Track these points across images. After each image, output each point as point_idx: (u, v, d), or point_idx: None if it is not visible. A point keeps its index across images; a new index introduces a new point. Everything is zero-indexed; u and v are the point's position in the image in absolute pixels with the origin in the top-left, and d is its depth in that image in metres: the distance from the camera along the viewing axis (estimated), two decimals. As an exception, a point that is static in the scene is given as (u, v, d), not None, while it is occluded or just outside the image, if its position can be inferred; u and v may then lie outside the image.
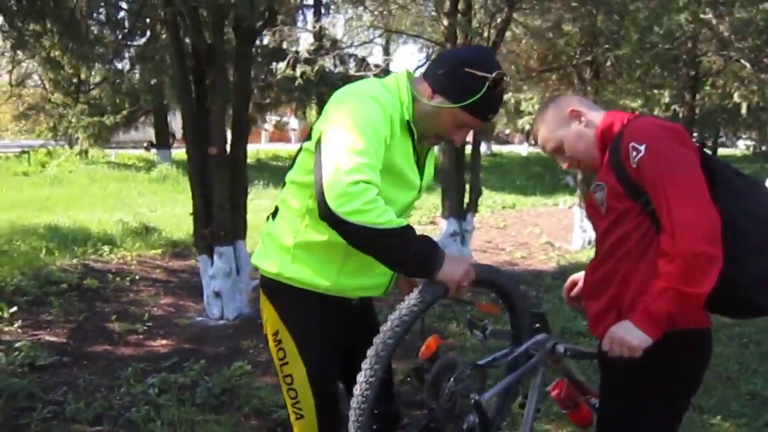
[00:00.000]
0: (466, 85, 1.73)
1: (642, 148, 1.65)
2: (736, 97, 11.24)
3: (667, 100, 11.36)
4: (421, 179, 1.92)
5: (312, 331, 1.90)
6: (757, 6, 8.23)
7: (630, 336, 1.64)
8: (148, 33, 7.74)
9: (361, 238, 1.62)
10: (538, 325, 2.13)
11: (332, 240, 1.77)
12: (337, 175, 1.59)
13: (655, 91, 10.06)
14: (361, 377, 1.70)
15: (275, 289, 1.90)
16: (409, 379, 3.49)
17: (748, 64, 9.06)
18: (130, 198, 11.63)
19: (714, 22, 8.44)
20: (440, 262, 1.68)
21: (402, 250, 1.64)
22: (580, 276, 2.12)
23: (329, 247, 1.82)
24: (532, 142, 20.05)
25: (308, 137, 1.83)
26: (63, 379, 3.79)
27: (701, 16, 8.14)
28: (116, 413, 3.32)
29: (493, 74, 1.72)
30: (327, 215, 1.61)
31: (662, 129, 1.70)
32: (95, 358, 4.21)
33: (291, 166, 1.91)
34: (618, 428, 1.85)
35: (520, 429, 2.11)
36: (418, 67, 11.38)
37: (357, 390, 1.71)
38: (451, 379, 1.81)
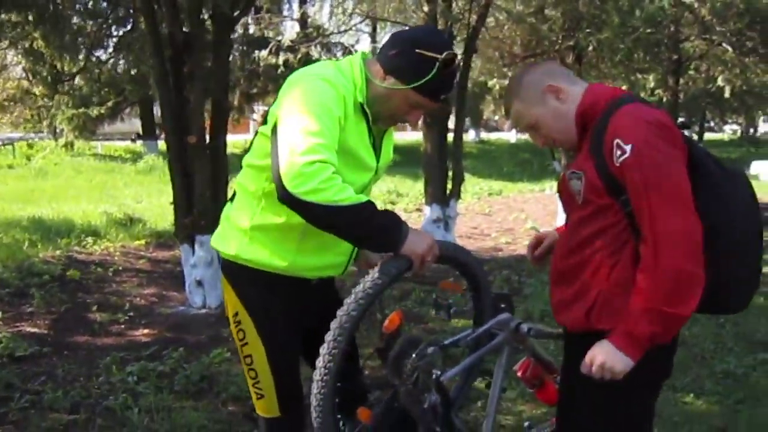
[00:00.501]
0: (417, 66, 1.72)
1: (627, 148, 1.55)
2: (719, 81, 11.32)
3: (652, 84, 11.40)
4: (378, 161, 1.92)
5: (270, 311, 1.91)
6: (738, -11, 8.27)
7: (613, 360, 1.57)
8: (131, 22, 7.70)
9: (320, 217, 1.63)
10: (503, 305, 2.15)
11: (289, 221, 1.80)
12: (293, 156, 1.60)
13: (639, 76, 10.11)
14: (324, 349, 1.71)
15: (234, 270, 1.92)
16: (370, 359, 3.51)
17: (730, 48, 9.12)
18: (115, 189, 11.59)
19: (696, 5, 8.47)
20: (404, 235, 1.68)
21: (363, 226, 1.64)
22: (544, 234, 2.07)
23: (286, 229, 1.83)
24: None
25: (264, 122, 1.85)
26: (42, 369, 3.79)
27: (682, 0, 8.18)
28: (94, 401, 3.33)
29: (443, 55, 1.71)
30: (285, 197, 1.62)
31: (650, 126, 1.57)
32: (75, 348, 4.21)
33: (248, 150, 1.92)
34: (593, 415, 1.76)
35: (487, 407, 2.14)
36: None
37: (319, 362, 1.72)
38: (414, 355, 1.83)
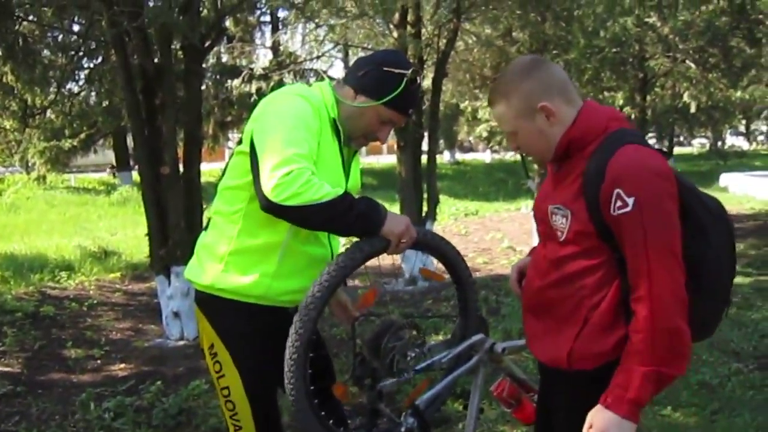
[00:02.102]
0: (386, 83, 1.86)
1: (630, 201, 1.49)
2: (685, 97, 11.58)
3: (620, 102, 11.64)
4: (346, 182, 1.98)
5: (246, 341, 1.91)
6: (698, 9, 8.53)
7: (617, 429, 1.50)
8: (101, 55, 7.69)
9: (305, 218, 1.72)
10: (478, 326, 2.18)
11: (267, 242, 1.85)
12: (273, 169, 1.68)
13: (607, 94, 10.32)
14: (296, 317, 1.76)
15: (208, 302, 1.92)
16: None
17: (693, 65, 9.37)
18: (89, 222, 11.47)
19: (658, 24, 8.71)
20: (383, 217, 1.78)
21: (346, 217, 1.73)
22: (525, 263, 1.95)
23: (265, 250, 1.87)
24: (495, 148, 20.33)
25: (239, 142, 1.90)
26: (16, 408, 3.72)
27: (646, 19, 8.40)
28: (70, 440, 3.28)
29: (410, 71, 1.86)
30: (269, 207, 1.70)
31: (654, 179, 1.51)
32: (50, 386, 4.14)
33: (221, 177, 1.96)
34: None
35: (466, 428, 2.15)
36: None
37: (292, 329, 1.76)
38: (389, 339, 1.90)
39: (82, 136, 14.76)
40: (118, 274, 7.25)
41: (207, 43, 5.18)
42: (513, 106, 1.64)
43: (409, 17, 6.71)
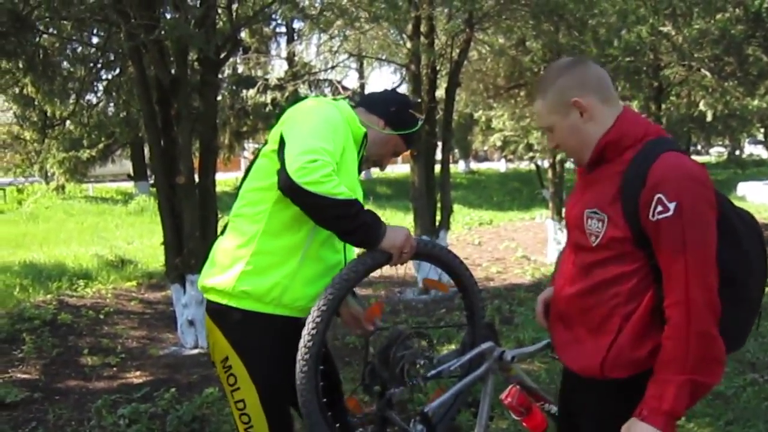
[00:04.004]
0: (408, 121, 2.16)
1: (671, 206, 1.49)
2: (701, 106, 11.48)
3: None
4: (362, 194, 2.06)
5: (261, 353, 1.93)
6: (713, 17, 8.48)
7: None
8: (119, 66, 7.81)
9: (317, 207, 1.78)
10: (487, 334, 2.19)
11: (288, 244, 1.91)
12: (300, 154, 1.78)
13: (621, 103, 10.28)
14: (304, 331, 1.82)
15: (223, 314, 1.94)
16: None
17: (708, 74, 9.29)
18: (107, 231, 11.59)
19: (673, 33, 8.67)
20: (383, 231, 1.88)
21: (352, 220, 1.82)
22: (549, 293, 1.89)
23: (285, 252, 1.92)
24: (510, 157, 20.28)
25: (264, 143, 1.98)
26: (33, 415, 3.78)
27: (660, 28, 8.36)
28: (85, 446, 3.32)
29: (421, 117, 2.21)
30: (288, 186, 1.76)
31: (696, 185, 1.52)
32: (67, 392, 4.19)
33: (243, 181, 2.02)
34: None
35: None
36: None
37: (301, 344, 1.81)
38: (397, 348, 1.96)
39: (100, 146, 14.98)
40: (134, 283, 7.33)
41: (222, 55, 5.25)
42: (548, 101, 1.67)
43: (423, 27, 6.75)
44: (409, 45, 6.76)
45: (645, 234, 1.54)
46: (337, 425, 1.96)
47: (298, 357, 1.81)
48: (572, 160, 1.77)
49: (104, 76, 8.33)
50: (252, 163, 2.03)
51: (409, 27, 6.72)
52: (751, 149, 32.53)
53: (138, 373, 4.59)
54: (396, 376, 1.95)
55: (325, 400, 1.88)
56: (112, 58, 7.50)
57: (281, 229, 1.91)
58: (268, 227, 1.91)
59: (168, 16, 4.91)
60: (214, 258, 2.01)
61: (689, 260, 1.49)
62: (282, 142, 1.85)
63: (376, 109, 2.13)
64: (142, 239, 10.59)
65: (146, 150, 17.73)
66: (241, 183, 2.04)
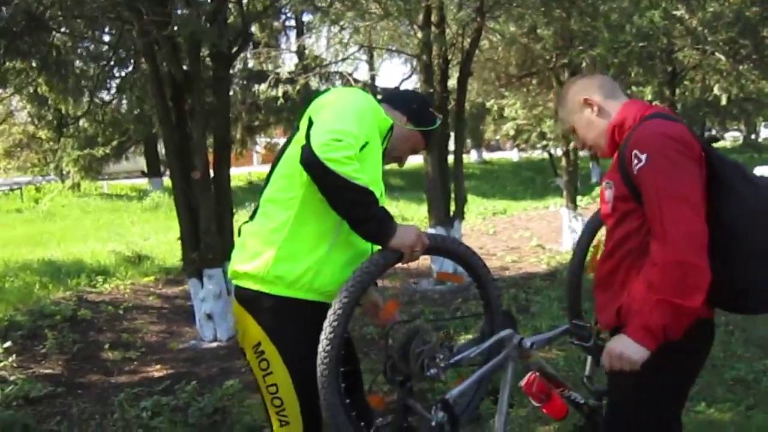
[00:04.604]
0: (429, 118, 2.23)
1: (643, 157, 1.72)
2: (716, 90, 11.35)
3: (649, 96, 11.48)
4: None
5: (294, 337, 1.96)
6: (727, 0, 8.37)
7: (629, 351, 1.73)
8: (131, 63, 7.85)
9: (335, 187, 1.80)
10: (506, 321, 2.19)
11: (319, 229, 1.94)
12: (327, 132, 1.81)
13: (635, 89, 10.18)
14: (322, 335, 1.83)
15: (255, 299, 1.97)
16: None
17: (723, 57, 9.19)
18: (123, 228, 11.69)
19: (686, 17, 8.57)
20: (394, 229, 1.89)
21: (367, 209, 1.84)
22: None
23: (316, 237, 1.94)
24: (522, 146, 20.20)
25: (296, 130, 1.99)
26: (57, 409, 3.84)
27: (673, 12, 8.27)
28: (110, 439, 3.37)
29: (439, 116, 2.28)
30: (310, 160, 1.79)
31: (664, 138, 1.73)
32: (89, 387, 4.25)
33: (274, 165, 2.05)
34: (626, 417, 1.91)
35: (495, 424, 2.16)
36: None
37: (320, 348, 1.82)
38: (417, 344, 1.96)
39: (114, 143, 15.10)
40: (152, 278, 7.40)
41: (234, 49, 5.27)
42: (566, 107, 2.02)
43: (433, 17, 6.72)
44: (420, 35, 6.74)
45: (637, 188, 1.76)
46: (362, 424, 1.97)
47: (318, 361, 1.82)
48: (592, 151, 2.06)
49: (117, 74, 8.38)
50: (283, 149, 2.05)
51: (420, 17, 6.70)
52: (767, 133, 32.15)
53: (158, 366, 4.65)
54: (416, 371, 1.95)
55: (348, 400, 1.89)
56: (124, 55, 7.55)
57: (312, 215, 1.93)
58: (300, 213, 1.94)
59: (179, 11, 4.92)
60: (245, 243, 2.02)
61: (663, 201, 1.69)
62: (310, 124, 1.88)
63: (399, 105, 2.19)
64: (158, 235, 10.67)
65: (159, 146, 17.87)
66: (272, 168, 2.06)
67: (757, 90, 12.34)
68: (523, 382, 2.27)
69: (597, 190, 15.40)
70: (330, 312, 1.84)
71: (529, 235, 9.95)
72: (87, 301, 6.33)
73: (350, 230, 1.93)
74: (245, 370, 4.40)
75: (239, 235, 2.09)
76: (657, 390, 1.85)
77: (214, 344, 5.10)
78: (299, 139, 1.93)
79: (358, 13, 6.99)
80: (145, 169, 19.16)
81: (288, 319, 1.96)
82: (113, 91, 8.70)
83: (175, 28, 4.44)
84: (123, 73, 8.08)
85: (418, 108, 2.21)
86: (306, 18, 13.01)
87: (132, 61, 7.66)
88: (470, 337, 4.14)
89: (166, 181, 17.29)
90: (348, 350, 2.05)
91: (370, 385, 2.25)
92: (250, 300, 1.98)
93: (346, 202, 1.82)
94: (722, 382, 3.72)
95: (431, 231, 7.22)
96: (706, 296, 1.71)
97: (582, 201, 11.64)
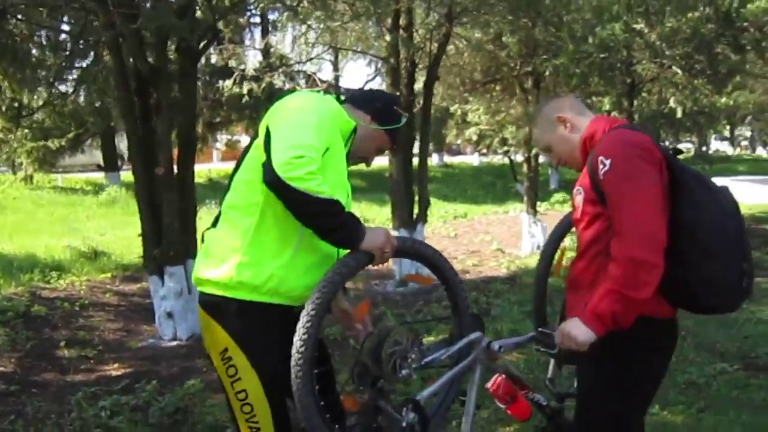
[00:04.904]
0: (393, 117, 2.23)
1: (608, 162, 1.84)
2: (672, 102, 11.71)
3: (607, 107, 11.76)
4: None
5: (261, 341, 1.94)
6: (685, 16, 8.65)
7: (577, 331, 1.86)
8: (92, 55, 7.67)
9: (299, 204, 1.81)
10: (474, 325, 2.23)
11: (282, 235, 1.93)
12: (287, 148, 1.81)
13: (595, 99, 10.43)
14: (296, 337, 1.83)
15: (219, 305, 1.94)
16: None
17: (679, 71, 9.49)
18: (78, 222, 11.38)
19: (646, 31, 8.83)
20: (363, 233, 1.92)
21: (333, 219, 1.86)
22: None
23: (279, 243, 1.93)
24: (484, 151, 20.43)
25: (255, 136, 1.99)
26: (11, 408, 3.73)
27: (633, 26, 8.50)
28: (67, 438, 3.30)
29: (405, 114, 2.28)
30: (273, 180, 1.79)
31: (627, 145, 1.86)
32: (45, 385, 4.15)
33: (235, 170, 2.03)
34: (595, 412, 2.02)
35: (462, 425, 2.20)
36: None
37: (294, 350, 1.82)
38: (389, 345, 1.98)
39: (70, 135, 14.67)
40: (109, 275, 7.24)
41: (202, 45, 5.21)
42: (539, 126, 2.14)
43: (402, 21, 6.78)
44: (388, 38, 6.78)
45: (602, 192, 1.87)
46: (336, 426, 1.98)
47: (292, 363, 1.82)
48: (567, 165, 2.14)
49: (77, 65, 8.17)
50: (244, 153, 2.03)
51: (389, 20, 6.74)
52: (717, 145, 33.29)
53: (116, 365, 4.56)
54: (388, 372, 1.97)
55: (322, 402, 1.90)
56: (83, 46, 7.37)
57: (275, 220, 1.92)
58: (262, 219, 1.93)
59: (148, 5, 4.84)
60: (208, 250, 2.00)
61: (623, 203, 1.81)
62: (268, 134, 1.86)
63: (363, 105, 2.19)
64: (115, 231, 10.44)
65: (117, 140, 17.47)
66: (233, 173, 2.04)
67: (710, 104, 12.76)
68: (489, 384, 2.32)
69: (555, 197, 15.71)
70: (303, 314, 1.83)
71: (489, 239, 10.09)
72: (41, 297, 6.17)
73: (314, 234, 1.93)
74: (207, 369, 4.36)
75: (203, 241, 2.07)
76: (624, 387, 1.95)
77: (174, 343, 5.03)
78: (258, 145, 1.93)
79: (327, 13, 6.98)
80: (102, 163, 18.71)
81: (255, 323, 1.94)
82: (72, 82, 8.48)
83: (145, 21, 4.37)
84: (84, 65, 7.89)
85: (382, 107, 2.21)
86: (272, 16, 12.93)
87: (93, 52, 7.49)
88: (433, 339, 4.19)
89: (124, 175, 16.92)
90: (321, 351, 2.06)
91: (341, 389, 2.26)
92: (215, 306, 1.96)
93: (312, 215, 1.84)
94: (675, 386, 3.85)
95: (395, 234, 7.27)
96: (668, 297, 1.86)
97: (541, 207, 11.85)
